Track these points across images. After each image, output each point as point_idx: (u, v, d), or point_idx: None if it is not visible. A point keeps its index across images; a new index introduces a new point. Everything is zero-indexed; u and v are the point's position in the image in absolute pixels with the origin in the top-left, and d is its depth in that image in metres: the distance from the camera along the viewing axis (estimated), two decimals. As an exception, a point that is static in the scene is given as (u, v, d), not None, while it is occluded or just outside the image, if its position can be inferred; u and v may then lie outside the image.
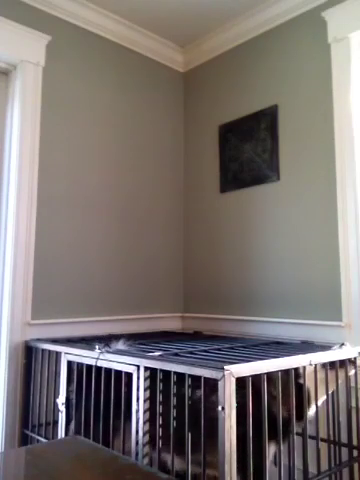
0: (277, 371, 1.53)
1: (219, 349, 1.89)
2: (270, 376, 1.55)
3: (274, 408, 1.55)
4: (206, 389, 1.46)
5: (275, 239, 2.52)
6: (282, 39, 2.60)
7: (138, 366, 1.63)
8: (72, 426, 1.94)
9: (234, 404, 1.34)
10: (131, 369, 1.65)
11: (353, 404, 1.93)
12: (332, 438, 1.87)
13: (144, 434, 1.60)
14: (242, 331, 2.58)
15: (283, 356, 1.61)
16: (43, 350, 2.21)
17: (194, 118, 3.07)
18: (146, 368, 1.61)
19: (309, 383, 1.69)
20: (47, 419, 2.15)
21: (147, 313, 2.79)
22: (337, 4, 2.34)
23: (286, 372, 1.59)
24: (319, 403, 1.74)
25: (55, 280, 2.42)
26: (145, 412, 1.61)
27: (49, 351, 2.17)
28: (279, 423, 1.52)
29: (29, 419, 2.22)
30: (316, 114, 2.40)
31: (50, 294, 2.40)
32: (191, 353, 1.74)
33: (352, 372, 1.89)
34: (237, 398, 1.35)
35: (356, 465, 1.91)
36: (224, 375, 1.33)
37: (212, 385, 1.44)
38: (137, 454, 1.60)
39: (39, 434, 2.16)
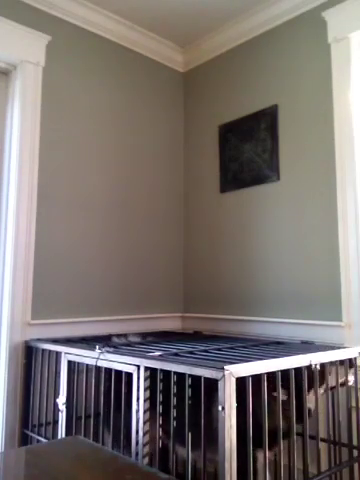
0: (277, 371, 1.53)
1: (219, 349, 1.89)
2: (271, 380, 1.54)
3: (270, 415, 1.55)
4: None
5: (275, 239, 2.52)
6: (282, 39, 2.60)
7: (138, 366, 1.63)
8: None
9: (234, 404, 1.34)
10: (131, 369, 1.66)
11: (353, 404, 1.93)
12: (332, 438, 1.87)
13: (144, 434, 1.60)
14: (242, 331, 2.58)
15: (283, 356, 1.61)
16: (43, 350, 2.21)
17: (194, 118, 3.07)
18: (146, 368, 1.61)
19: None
20: (47, 419, 2.16)
21: (147, 313, 2.79)
22: (337, 4, 2.34)
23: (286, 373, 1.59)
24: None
25: (55, 280, 2.42)
26: (145, 412, 1.61)
27: (49, 351, 2.17)
28: (279, 425, 1.52)
29: (29, 419, 2.21)
30: (316, 114, 2.40)
31: (50, 294, 2.40)
32: (191, 353, 1.74)
33: (352, 371, 1.89)
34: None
35: (356, 465, 1.91)
36: (224, 375, 1.33)
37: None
38: (137, 454, 1.60)
39: (39, 434, 2.16)
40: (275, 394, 1.53)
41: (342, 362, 1.82)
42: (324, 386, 1.75)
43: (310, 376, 1.68)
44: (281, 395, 1.54)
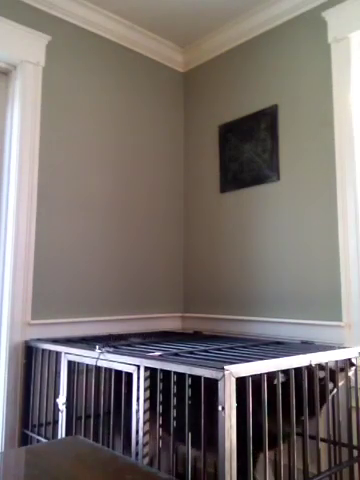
0: (277, 371, 1.53)
1: (219, 349, 1.89)
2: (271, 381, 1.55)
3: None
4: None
5: (275, 239, 2.52)
6: (282, 39, 2.60)
7: (138, 366, 1.63)
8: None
9: (234, 404, 1.34)
10: (131, 369, 1.65)
11: (353, 404, 1.93)
12: (332, 438, 1.87)
13: (144, 434, 1.60)
14: (242, 331, 2.58)
15: (283, 356, 1.61)
16: (43, 350, 2.21)
17: (194, 118, 3.07)
18: (146, 368, 1.61)
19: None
20: (47, 419, 2.16)
21: (147, 313, 2.79)
22: (337, 4, 2.34)
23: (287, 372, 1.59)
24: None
25: (55, 280, 2.42)
26: (145, 412, 1.61)
27: (49, 351, 2.17)
28: (279, 423, 1.52)
29: (29, 419, 2.21)
30: (316, 114, 2.40)
31: (50, 294, 2.39)
32: (191, 353, 1.74)
33: (352, 371, 1.89)
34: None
35: (356, 465, 1.91)
36: (224, 375, 1.33)
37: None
38: (137, 454, 1.60)
39: (39, 434, 2.16)
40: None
41: (342, 362, 1.82)
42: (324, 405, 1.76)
43: (310, 377, 1.68)
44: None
